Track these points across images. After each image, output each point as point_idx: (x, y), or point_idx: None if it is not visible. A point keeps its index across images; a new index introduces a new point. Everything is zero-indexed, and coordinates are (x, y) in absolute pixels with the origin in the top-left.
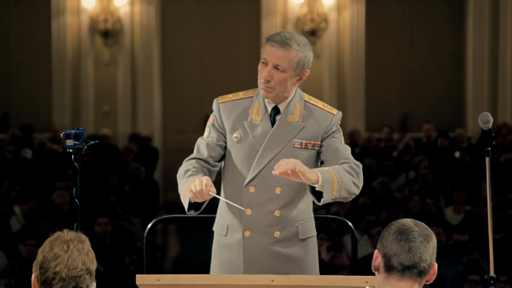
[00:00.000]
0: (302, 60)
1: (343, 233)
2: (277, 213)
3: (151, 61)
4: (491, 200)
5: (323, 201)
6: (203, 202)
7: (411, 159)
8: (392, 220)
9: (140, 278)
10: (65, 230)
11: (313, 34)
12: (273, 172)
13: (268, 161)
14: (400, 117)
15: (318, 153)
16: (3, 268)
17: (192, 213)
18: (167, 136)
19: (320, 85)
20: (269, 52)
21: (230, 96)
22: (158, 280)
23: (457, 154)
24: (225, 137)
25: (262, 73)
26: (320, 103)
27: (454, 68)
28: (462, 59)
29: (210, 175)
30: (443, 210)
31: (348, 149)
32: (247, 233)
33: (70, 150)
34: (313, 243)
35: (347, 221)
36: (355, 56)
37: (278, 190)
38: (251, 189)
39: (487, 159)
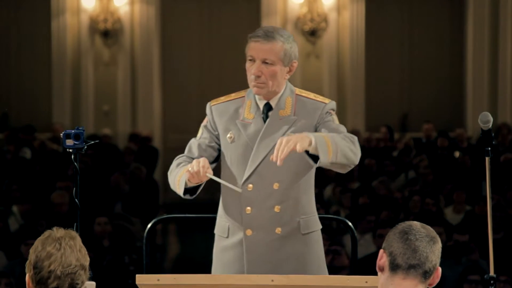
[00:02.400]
0: (288, 51)
1: (343, 233)
2: (277, 208)
3: (151, 61)
4: (491, 200)
5: (319, 163)
6: (198, 186)
7: (411, 159)
8: (392, 220)
9: (140, 278)
10: (55, 228)
11: (313, 34)
12: (272, 158)
13: (263, 157)
14: (400, 117)
15: None
16: (3, 268)
17: (187, 197)
18: (167, 136)
19: (320, 85)
20: (254, 48)
21: (222, 98)
22: (158, 280)
23: (457, 154)
24: (218, 139)
25: (251, 70)
26: (311, 95)
27: (454, 68)
28: (462, 59)
29: None
30: (443, 210)
31: (342, 127)
32: (249, 232)
33: (70, 150)
34: (316, 237)
35: (347, 221)
36: (355, 56)
37: (275, 185)
38: (249, 187)
39: (487, 159)
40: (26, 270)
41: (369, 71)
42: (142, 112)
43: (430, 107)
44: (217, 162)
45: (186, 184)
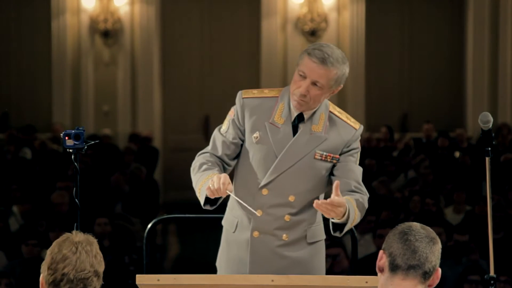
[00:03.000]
0: (340, 78)
1: None
2: (287, 218)
3: (151, 61)
4: (491, 200)
5: (337, 233)
6: (219, 198)
7: (411, 159)
8: (392, 220)
9: (140, 278)
10: (74, 232)
11: (313, 34)
12: (315, 205)
13: (286, 168)
14: (400, 117)
15: (333, 165)
16: (3, 268)
17: (208, 208)
18: (167, 136)
19: None
20: (309, 68)
21: (255, 92)
22: (158, 280)
23: (457, 154)
24: (243, 135)
25: (300, 85)
26: (343, 115)
27: (454, 68)
28: (462, 59)
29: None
30: (443, 210)
31: (360, 172)
32: (256, 234)
33: (70, 150)
34: (321, 246)
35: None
36: (355, 56)
37: (291, 198)
38: (265, 192)
39: (487, 159)
40: (41, 270)
41: (369, 71)
42: (142, 112)
43: (430, 107)
44: (239, 157)
45: (206, 195)
